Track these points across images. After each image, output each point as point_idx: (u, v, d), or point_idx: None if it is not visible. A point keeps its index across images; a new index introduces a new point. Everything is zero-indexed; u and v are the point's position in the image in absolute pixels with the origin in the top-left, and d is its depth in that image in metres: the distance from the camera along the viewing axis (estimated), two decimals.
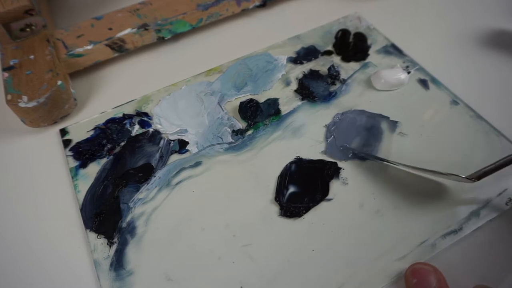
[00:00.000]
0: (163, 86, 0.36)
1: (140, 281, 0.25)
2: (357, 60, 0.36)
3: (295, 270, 0.25)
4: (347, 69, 0.36)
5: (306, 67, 0.36)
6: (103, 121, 0.33)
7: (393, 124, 0.32)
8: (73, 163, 0.31)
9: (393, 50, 0.37)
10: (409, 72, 0.34)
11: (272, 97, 0.34)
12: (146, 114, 0.34)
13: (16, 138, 0.33)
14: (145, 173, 0.30)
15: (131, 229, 0.27)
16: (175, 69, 0.37)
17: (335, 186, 0.29)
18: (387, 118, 0.32)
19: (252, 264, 0.26)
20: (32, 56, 0.33)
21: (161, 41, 0.39)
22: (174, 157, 0.31)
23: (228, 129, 0.32)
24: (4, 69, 0.32)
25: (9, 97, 0.31)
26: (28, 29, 0.35)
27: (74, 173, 0.30)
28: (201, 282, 0.25)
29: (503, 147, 0.30)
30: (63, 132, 0.33)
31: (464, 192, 0.28)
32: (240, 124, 0.33)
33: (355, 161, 0.30)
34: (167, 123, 0.33)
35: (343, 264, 0.25)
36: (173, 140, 0.32)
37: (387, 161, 0.29)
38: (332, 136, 0.31)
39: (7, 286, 0.26)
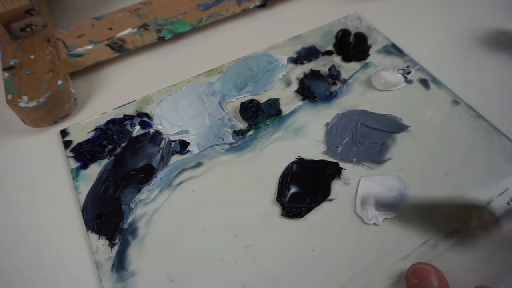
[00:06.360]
0: (164, 87, 0.36)
1: (142, 282, 0.25)
2: (357, 60, 0.36)
3: (297, 271, 0.25)
4: (347, 69, 0.36)
5: (307, 67, 0.36)
6: (104, 121, 0.33)
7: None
8: (74, 164, 0.31)
9: (393, 50, 0.37)
10: (407, 76, 0.34)
11: (273, 98, 0.34)
12: (147, 115, 0.34)
13: (17, 138, 0.33)
14: (146, 174, 0.30)
15: (133, 230, 0.27)
16: (175, 69, 0.37)
17: (336, 186, 0.29)
18: (394, 118, 0.32)
19: (254, 264, 0.26)
20: (32, 56, 0.33)
21: (161, 41, 0.38)
22: (175, 158, 0.31)
23: (229, 130, 0.32)
24: (4, 69, 0.32)
25: (10, 97, 0.30)
26: (28, 29, 0.35)
27: (75, 174, 0.30)
28: (203, 283, 0.25)
29: (504, 146, 0.30)
30: (64, 133, 0.33)
31: (465, 192, 0.28)
32: (241, 125, 0.33)
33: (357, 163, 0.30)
34: (168, 124, 0.33)
35: (344, 265, 0.25)
36: (174, 141, 0.32)
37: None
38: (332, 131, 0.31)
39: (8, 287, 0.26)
